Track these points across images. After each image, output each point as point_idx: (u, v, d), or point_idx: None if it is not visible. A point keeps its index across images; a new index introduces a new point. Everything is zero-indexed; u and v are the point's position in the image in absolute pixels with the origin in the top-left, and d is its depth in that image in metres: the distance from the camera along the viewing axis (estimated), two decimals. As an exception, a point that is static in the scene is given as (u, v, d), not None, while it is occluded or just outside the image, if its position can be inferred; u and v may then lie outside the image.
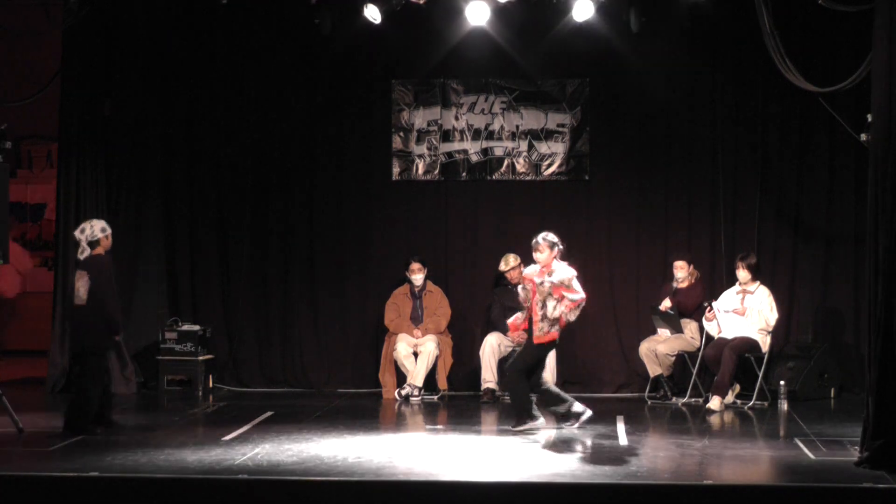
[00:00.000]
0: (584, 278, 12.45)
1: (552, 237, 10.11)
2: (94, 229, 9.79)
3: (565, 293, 9.90)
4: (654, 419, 10.96)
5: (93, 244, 9.76)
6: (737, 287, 11.65)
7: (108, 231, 9.87)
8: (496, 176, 12.68)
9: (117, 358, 11.86)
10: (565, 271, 9.97)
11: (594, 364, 12.51)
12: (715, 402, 11.13)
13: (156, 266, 12.71)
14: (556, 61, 12.51)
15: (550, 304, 9.92)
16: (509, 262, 12.08)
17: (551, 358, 11.78)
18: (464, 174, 12.71)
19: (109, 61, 12.35)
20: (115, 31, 12.29)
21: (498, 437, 10.05)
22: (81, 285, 9.74)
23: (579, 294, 9.93)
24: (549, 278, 9.93)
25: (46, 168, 15.58)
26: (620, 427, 10.15)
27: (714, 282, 12.14)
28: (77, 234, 9.87)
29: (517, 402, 10.12)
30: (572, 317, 10.01)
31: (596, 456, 8.86)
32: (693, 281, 11.81)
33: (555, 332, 10.00)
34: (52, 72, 12.02)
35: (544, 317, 9.93)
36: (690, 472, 8.42)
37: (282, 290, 12.78)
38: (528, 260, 12.15)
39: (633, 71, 12.36)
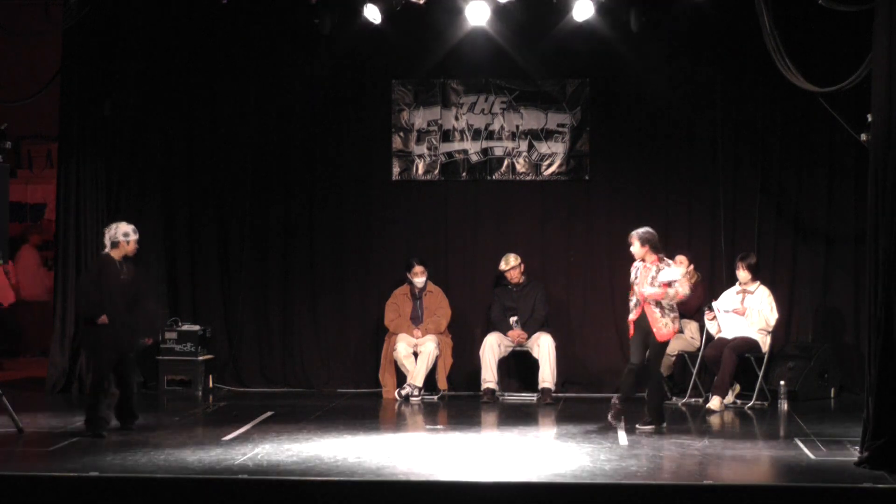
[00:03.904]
0: (584, 278, 12.58)
1: (645, 231, 10.14)
2: (118, 231, 10.00)
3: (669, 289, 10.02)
4: (655, 419, 10.95)
5: (113, 244, 9.98)
6: (737, 287, 11.65)
7: (132, 237, 10.01)
8: (496, 176, 12.68)
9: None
10: (671, 272, 10.04)
11: (594, 364, 12.50)
12: (715, 402, 11.13)
13: (156, 266, 12.71)
14: (556, 61, 12.51)
15: (663, 301, 10.01)
16: (509, 262, 12.09)
17: (551, 357, 11.81)
18: (464, 174, 12.71)
19: (109, 61, 12.34)
20: (115, 31, 12.29)
21: (498, 437, 10.05)
22: None
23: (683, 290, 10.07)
24: (660, 279, 9.99)
25: (46, 168, 15.58)
26: (620, 427, 10.14)
27: (714, 282, 12.14)
28: (105, 230, 10.13)
29: (654, 402, 10.12)
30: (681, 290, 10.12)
31: (596, 456, 8.86)
32: (693, 281, 11.80)
33: (675, 330, 10.08)
34: (52, 72, 12.01)
35: (665, 313, 9.99)
36: (690, 472, 8.42)
37: (282, 290, 12.78)
38: (528, 260, 12.23)
39: (633, 71, 12.36)
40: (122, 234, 9.94)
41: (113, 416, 9.94)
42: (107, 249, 9.97)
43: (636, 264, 10.19)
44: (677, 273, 10.07)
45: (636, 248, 10.14)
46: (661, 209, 12.42)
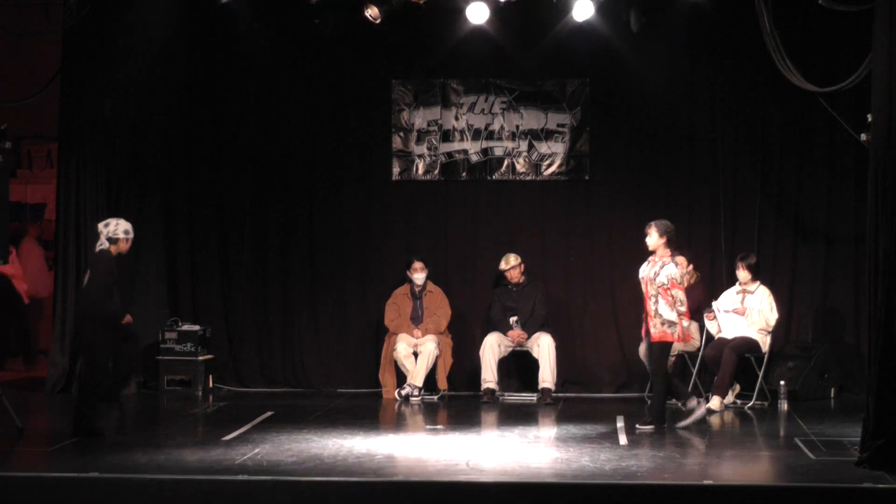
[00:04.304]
0: (584, 278, 12.57)
1: (665, 223, 10.10)
2: (118, 228, 9.74)
3: (673, 293, 9.92)
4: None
5: (111, 240, 9.72)
6: (737, 287, 11.65)
7: (131, 235, 9.82)
8: (496, 176, 12.68)
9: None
10: (670, 269, 9.97)
11: (594, 364, 12.51)
12: (715, 402, 11.12)
13: (156, 266, 12.71)
14: (556, 61, 12.50)
15: (662, 302, 9.93)
16: (510, 262, 12.08)
17: (551, 357, 11.81)
18: (464, 174, 12.71)
19: (109, 61, 12.34)
20: (115, 32, 12.28)
21: (498, 437, 10.05)
22: (85, 279, 9.80)
23: (682, 306, 9.96)
24: (660, 277, 9.94)
25: (46, 168, 15.55)
26: (620, 427, 10.15)
27: (714, 282, 12.14)
28: (100, 226, 9.84)
29: (657, 402, 10.12)
30: (686, 325, 10.06)
31: (596, 456, 8.86)
32: (693, 281, 11.80)
33: (669, 335, 9.97)
34: (52, 72, 12.01)
35: (657, 313, 9.94)
36: (690, 472, 8.42)
37: (282, 290, 12.78)
38: (528, 260, 12.23)
39: (633, 71, 12.36)
40: (123, 232, 9.74)
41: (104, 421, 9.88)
42: (104, 245, 9.71)
43: (650, 259, 10.15)
44: (674, 272, 10.02)
45: (653, 239, 10.09)
46: (661, 209, 12.37)
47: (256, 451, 9.02)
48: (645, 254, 12.30)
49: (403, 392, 11.90)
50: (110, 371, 9.84)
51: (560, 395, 12.09)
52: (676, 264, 10.15)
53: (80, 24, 11.74)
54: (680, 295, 9.99)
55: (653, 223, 10.12)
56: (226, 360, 12.70)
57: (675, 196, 12.47)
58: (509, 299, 12.13)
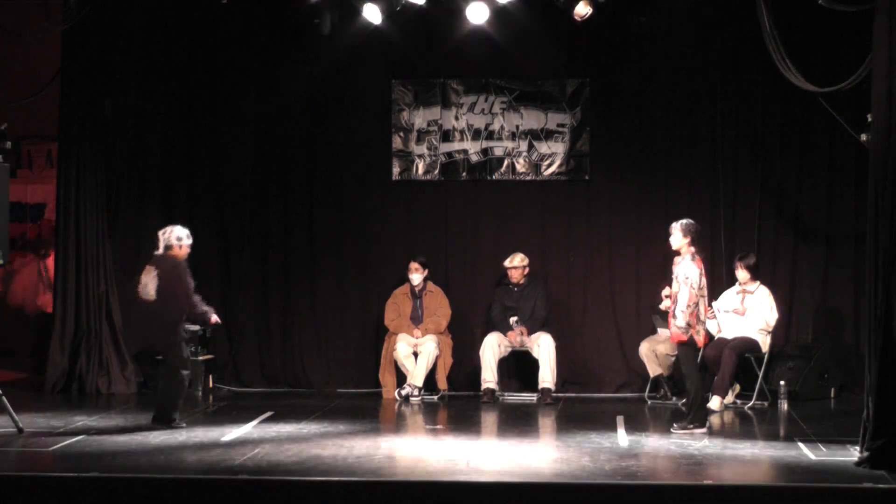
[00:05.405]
0: (584, 278, 12.57)
1: (688, 223, 9.96)
2: (171, 235, 10.14)
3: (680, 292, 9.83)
4: (654, 419, 10.96)
5: (167, 247, 10.11)
6: (737, 287, 11.65)
7: (185, 242, 10.16)
8: (496, 176, 12.68)
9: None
10: (686, 268, 9.85)
11: (594, 364, 12.51)
12: (715, 402, 11.12)
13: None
14: (556, 61, 12.52)
15: (679, 303, 9.83)
16: (514, 261, 12.10)
17: (551, 357, 11.80)
18: (464, 174, 12.71)
19: (109, 61, 12.34)
20: (115, 31, 12.29)
21: (498, 437, 10.05)
22: (150, 280, 10.00)
23: (684, 299, 9.78)
24: (679, 276, 9.83)
25: (46, 168, 15.55)
26: (620, 427, 10.15)
27: (714, 282, 12.12)
28: (160, 233, 10.21)
29: (691, 404, 10.02)
30: (692, 322, 9.82)
31: (596, 456, 8.86)
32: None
33: (683, 337, 9.86)
34: (52, 72, 12.01)
35: (674, 314, 9.86)
36: (690, 472, 8.42)
37: (282, 290, 12.78)
38: (534, 261, 12.23)
39: (633, 71, 12.37)
40: (175, 238, 10.10)
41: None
42: (161, 252, 10.07)
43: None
44: (693, 273, 9.91)
45: (676, 239, 9.95)
46: (661, 209, 12.40)
47: (256, 451, 9.02)
48: (645, 254, 12.38)
49: (403, 392, 11.90)
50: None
51: (560, 395, 12.09)
52: (695, 264, 10.00)
53: (80, 24, 11.74)
54: (685, 296, 9.86)
55: (675, 224, 10.00)
56: (226, 360, 12.71)
57: (674, 196, 12.46)
58: (510, 299, 12.14)
